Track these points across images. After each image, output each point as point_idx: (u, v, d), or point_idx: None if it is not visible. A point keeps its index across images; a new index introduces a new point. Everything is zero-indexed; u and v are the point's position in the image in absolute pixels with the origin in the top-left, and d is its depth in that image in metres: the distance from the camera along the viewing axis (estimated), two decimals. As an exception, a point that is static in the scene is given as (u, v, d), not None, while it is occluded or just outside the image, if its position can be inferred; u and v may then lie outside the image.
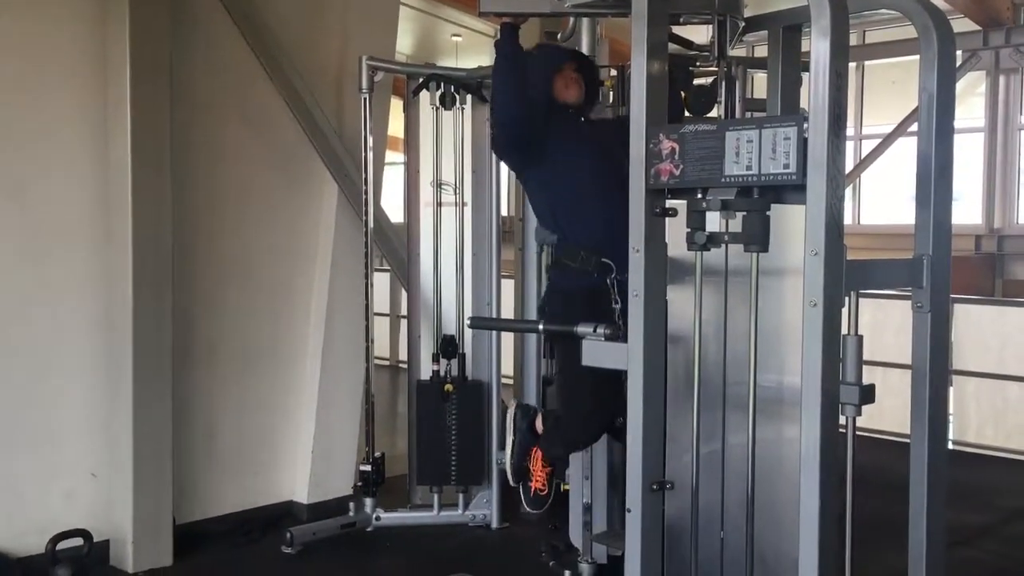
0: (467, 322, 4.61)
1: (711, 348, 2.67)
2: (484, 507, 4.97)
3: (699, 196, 2.52)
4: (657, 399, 2.64)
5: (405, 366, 5.10)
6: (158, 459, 4.32)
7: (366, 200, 4.77)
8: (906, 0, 2.67)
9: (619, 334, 2.80)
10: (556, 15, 2.97)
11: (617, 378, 3.03)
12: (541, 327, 3.05)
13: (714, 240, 2.50)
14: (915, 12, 2.66)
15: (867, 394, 2.48)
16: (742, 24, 2.87)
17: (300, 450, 5.13)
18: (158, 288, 4.28)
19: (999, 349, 6.98)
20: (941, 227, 2.67)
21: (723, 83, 2.87)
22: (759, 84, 4.03)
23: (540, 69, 3.39)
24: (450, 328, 4.92)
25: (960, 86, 11.14)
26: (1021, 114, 10.95)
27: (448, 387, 4.84)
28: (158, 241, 4.27)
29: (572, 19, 3.05)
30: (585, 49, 3.93)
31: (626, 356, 2.64)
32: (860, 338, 2.48)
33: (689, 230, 2.55)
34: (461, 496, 4.97)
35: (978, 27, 10.23)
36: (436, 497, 4.94)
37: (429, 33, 12.34)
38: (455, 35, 12.42)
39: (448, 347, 4.89)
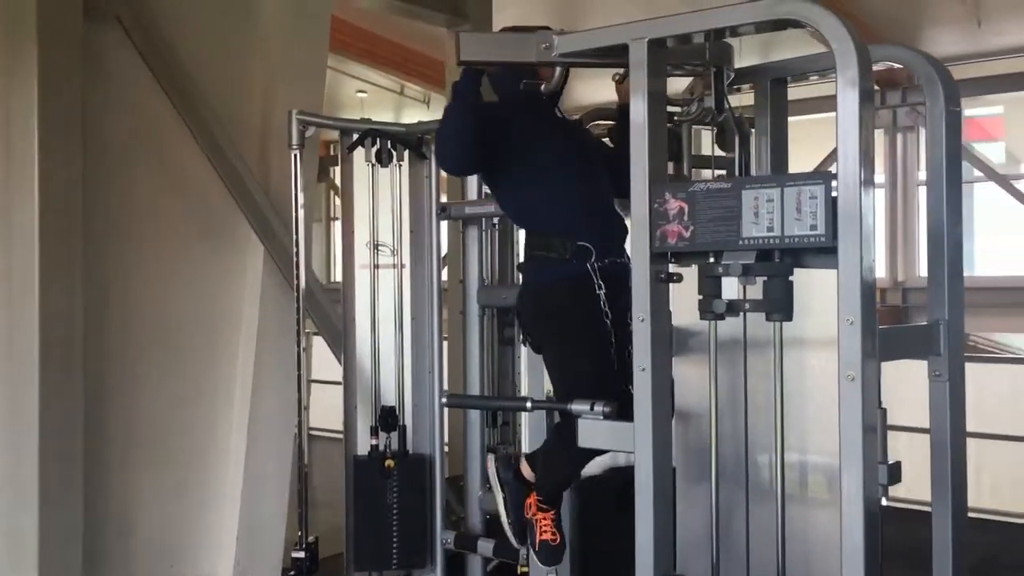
0: (442, 400, 4.28)
1: (725, 425, 2.44)
2: (428, 591, 4.62)
3: (712, 260, 2.31)
4: (667, 482, 2.40)
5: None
6: (67, 567, 3.84)
7: (298, 263, 4.43)
8: (909, 53, 2.55)
9: (619, 412, 2.54)
10: (542, 65, 2.76)
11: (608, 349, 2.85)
12: (530, 404, 2.77)
13: (733, 308, 2.29)
14: (918, 65, 2.54)
15: (895, 473, 2.30)
16: (732, 75, 2.70)
17: (223, 537, 4.68)
18: (68, 373, 3.86)
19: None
20: (955, 289, 2.53)
21: (736, 136, 2.68)
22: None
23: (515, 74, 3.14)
24: (389, 398, 4.59)
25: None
26: (919, 170, 11.29)
27: (389, 463, 4.49)
28: (68, 321, 3.85)
29: (558, 70, 2.84)
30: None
31: (632, 437, 2.39)
32: (884, 412, 2.30)
33: (702, 297, 2.34)
34: (403, 580, 4.60)
35: (876, 87, 10.54)
36: (375, 583, 4.57)
37: (333, 88, 12.06)
38: (360, 91, 12.18)
39: (388, 419, 4.55)
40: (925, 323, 2.52)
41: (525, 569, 3.95)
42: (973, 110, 11.85)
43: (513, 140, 3.08)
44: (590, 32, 2.53)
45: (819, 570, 2.29)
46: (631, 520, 2.36)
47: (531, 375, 3.85)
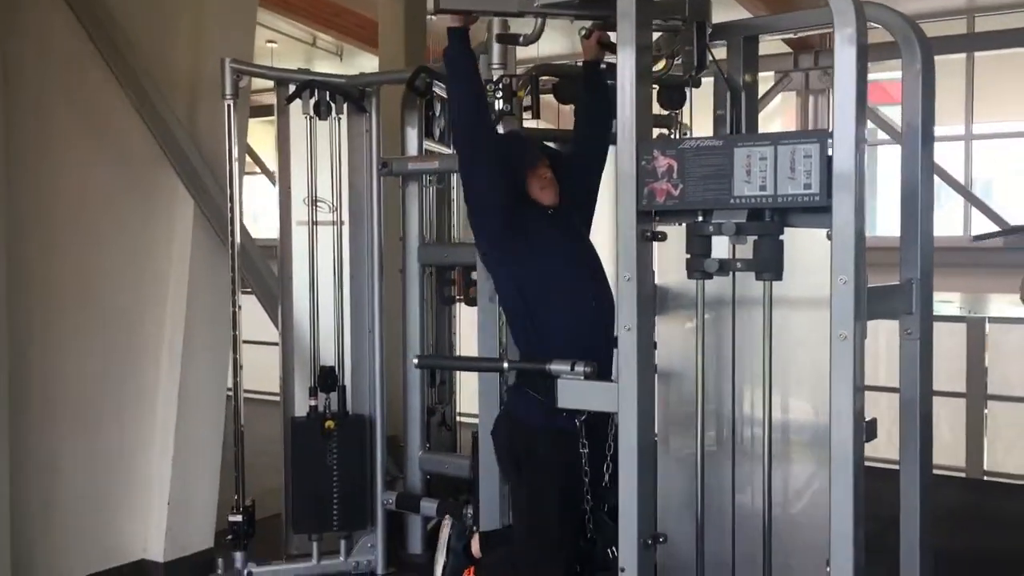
0: (413, 362, 4.18)
1: (709, 386, 2.43)
2: (368, 553, 4.55)
3: (701, 219, 2.28)
4: (651, 443, 2.38)
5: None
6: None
7: (232, 218, 4.25)
8: (887, 13, 2.54)
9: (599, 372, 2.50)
10: (522, 15, 2.66)
11: (581, 499, 2.79)
12: (506, 365, 2.71)
13: (723, 268, 2.26)
14: (896, 25, 2.54)
15: (871, 430, 2.32)
16: (709, 31, 2.66)
17: (154, 502, 4.51)
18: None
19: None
20: (926, 248, 2.56)
21: (728, 97, 2.63)
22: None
23: (512, 167, 3.01)
24: (328, 359, 4.48)
25: (773, 106, 11.72)
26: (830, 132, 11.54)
27: (329, 424, 4.38)
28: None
29: (537, 20, 2.74)
30: (497, 54, 3.65)
31: (616, 397, 2.36)
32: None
33: (690, 256, 2.31)
34: (343, 542, 4.52)
35: (790, 50, 10.70)
36: (315, 545, 4.47)
37: (242, 38, 11.63)
38: (270, 41, 11.76)
39: (327, 379, 4.44)
40: (898, 283, 2.54)
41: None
42: (878, 74, 12.15)
43: (525, 233, 2.96)
44: (576, -18, 2.46)
45: (805, 528, 2.30)
46: None
47: (483, 336, 3.79)
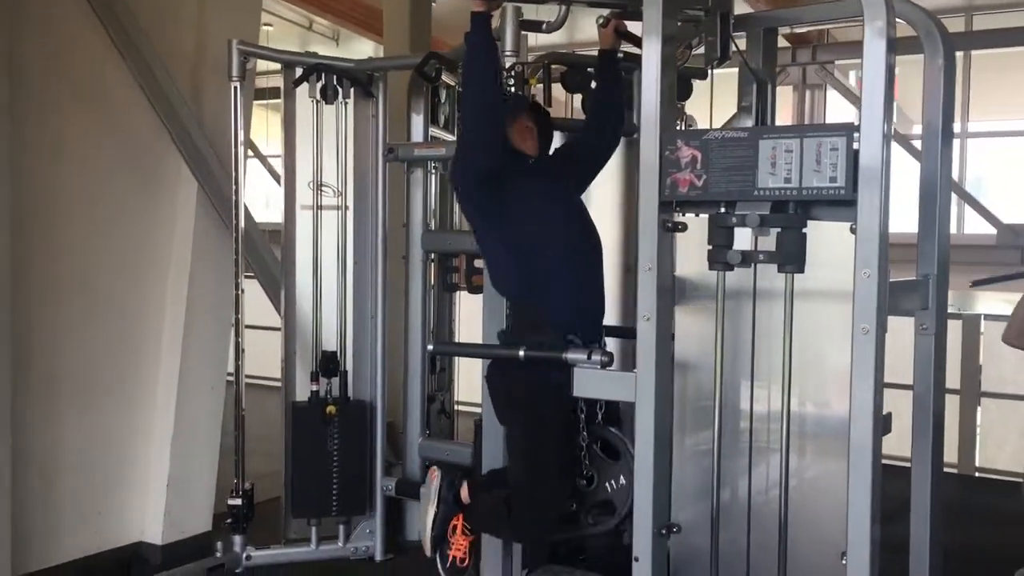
0: (429, 348, 4.18)
1: (726, 377, 2.43)
2: (367, 539, 4.54)
3: (724, 210, 2.28)
4: (667, 433, 2.38)
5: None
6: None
7: (236, 201, 4.22)
8: (910, 8, 2.55)
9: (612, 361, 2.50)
10: (545, 1, 2.65)
11: (576, 435, 2.84)
12: (522, 353, 2.70)
13: (746, 259, 2.26)
14: (919, 20, 2.55)
15: (887, 425, 2.33)
16: (731, 22, 2.65)
17: (152, 485, 4.50)
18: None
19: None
20: (943, 244, 2.57)
21: (755, 88, 2.63)
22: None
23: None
24: (330, 344, 4.46)
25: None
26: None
27: (331, 409, 4.37)
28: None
29: (561, 8, 2.72)
30: (509, 41, 3.63)
31: (634, 387, 2.36)
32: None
33: (712, 247, 2.31)
34: (342, 528, 4.51)
35: (787, 44, 10.70)
36: (314, 530, 4.46)
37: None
38: (266, 24, 11.67)
39: (329, 365, 4.42)
40: (915, 278, 2.55)
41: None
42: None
43: (506, 191, 2.93)
44: (602, -31, 2.44)
45: (820, 520, 2.31)
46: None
47: (487, 323, 3.77)
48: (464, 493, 3.35)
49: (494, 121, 2.88)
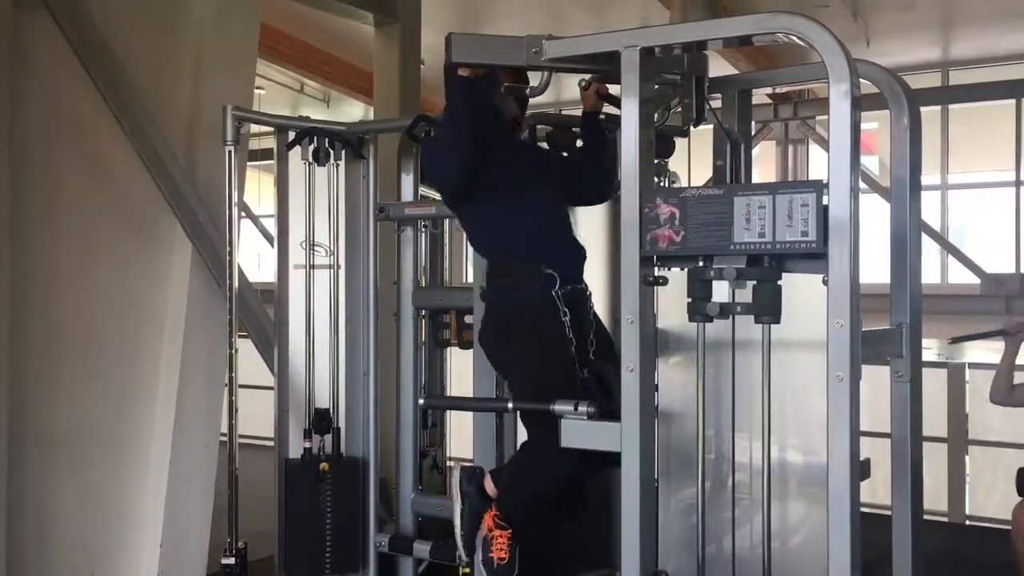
0: (420, 402, 4.24)
1: (709, 426, 2.50)
2: (360, 596, 4.56)
3: (702, 264, 2.38)
4: (652, 481, 2.45)
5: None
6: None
7: (231, 262, 4.31)
8: (875, 70, 2.67)
9: (603, 411, 2.57)
10: (531, 68, 2.77)
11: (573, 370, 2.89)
12: (510, 405, 2.77)
13: (724, 311, 2.35)
14: (884, 81, 2.67)
15: (865, 470, 2.40)
16: (706, 85, 2.77)
17: (146, 542, 4.50)
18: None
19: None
20: (915, 294, 2.66)
21: (727, 145, 2.74)
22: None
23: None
24: (323, 401, 4.52)
25: (753, 155, 11.94)
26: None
27: (324, 466, 4.41)
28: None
29: (544, 74, 2.83)
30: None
31: (619, 436, 2.43)
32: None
33: (691, 300, 2.40)
34: (335, 585, 4.52)
35: (770, 101, 10.94)
36: (307, 588, 4.47)
37: (229, 84, 11.75)
38: (257, 88, 11.89)
39: (322, 422, 4.47)
40: (888, 327, 2.64)
41: (467, 570, 3.95)
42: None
43: (484, 166, 3.06)
44: (580, 38, 2.57)
45: (803, 566, 2.37)
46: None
47: (478, 378, 3.85)
48: (489, 486, 3.26)
49: (468, 170, 3.02)
